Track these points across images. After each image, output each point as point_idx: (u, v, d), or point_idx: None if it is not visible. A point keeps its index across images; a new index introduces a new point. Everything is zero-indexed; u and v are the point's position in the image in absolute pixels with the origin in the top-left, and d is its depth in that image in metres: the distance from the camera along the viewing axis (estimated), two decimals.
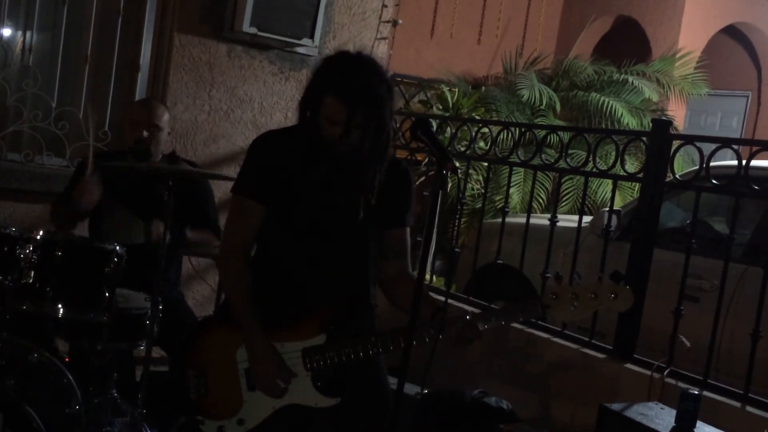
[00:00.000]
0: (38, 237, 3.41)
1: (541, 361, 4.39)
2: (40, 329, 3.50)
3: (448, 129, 6.01)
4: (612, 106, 8.79)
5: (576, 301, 2.60)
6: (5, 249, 3.40)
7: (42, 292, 3.37)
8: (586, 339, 4.29)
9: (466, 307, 4.76)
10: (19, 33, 5.22)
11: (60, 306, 3.37)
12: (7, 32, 5.16)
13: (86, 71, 5.33)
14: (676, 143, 4.13)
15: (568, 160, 4.65)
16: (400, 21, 6.30)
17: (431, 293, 3.22)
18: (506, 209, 5.17)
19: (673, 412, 3.26)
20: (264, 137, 2.88)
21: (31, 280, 3.36)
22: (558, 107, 8.92)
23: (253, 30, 5.47)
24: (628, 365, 4.08)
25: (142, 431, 3.48)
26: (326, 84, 2.63)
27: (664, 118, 7.73)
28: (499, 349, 4.57)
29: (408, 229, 2.94)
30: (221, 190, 5.33)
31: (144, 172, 3.76)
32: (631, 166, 4.55)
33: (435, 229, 6.01)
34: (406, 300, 2.56)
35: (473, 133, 5.43)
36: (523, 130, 5.11)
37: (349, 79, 2.60)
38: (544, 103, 8.76)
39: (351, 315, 2.80)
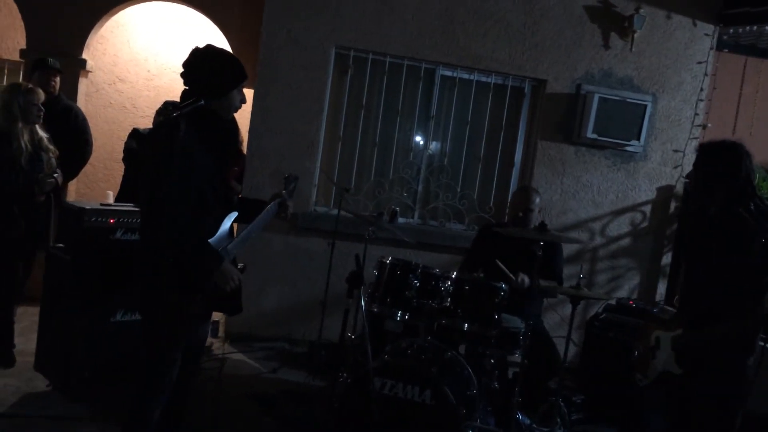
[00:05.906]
0: (453, 275, 3.64)
1: None
2: (451, 337, 3.64)
3: None
4: None
5: None
6: (432, 283, 3.68)
7: (454, 312, 3.56)
8: None
9: None
10: (440, 144, 5.63)
11: (465, 322, 3.56)
12: (433, 145, 5.60)
13: (479, 167, 5.62)
14: None
15: None
16: (709, 125, 5.79)
17: None
18: None
19: None
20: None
21: (447, 304, 3.58)
22: None
23: (594, 136, 5.42)
24: None
25: (516, 415, 3.54)
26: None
27: None
28: None
29: None
30: (569, 248, 5.30)
31: (524, 236, 3.81)
32: None
33: None
34: None
35: None
36: None
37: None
38: None
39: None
